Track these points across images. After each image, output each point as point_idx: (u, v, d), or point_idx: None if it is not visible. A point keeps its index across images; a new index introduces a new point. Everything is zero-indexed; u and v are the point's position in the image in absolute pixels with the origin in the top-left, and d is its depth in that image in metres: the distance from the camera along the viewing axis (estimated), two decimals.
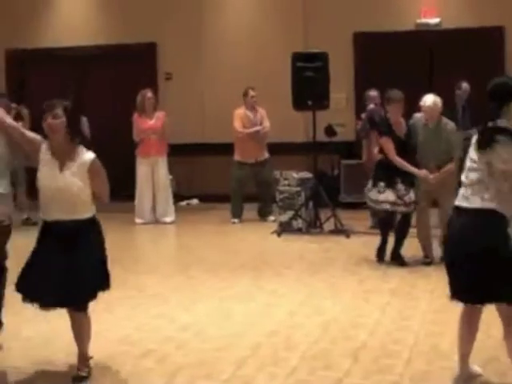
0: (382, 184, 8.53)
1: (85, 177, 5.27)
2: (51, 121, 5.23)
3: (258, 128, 11.94)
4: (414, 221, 8.81)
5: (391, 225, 8.95)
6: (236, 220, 11.99)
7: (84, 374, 5.34)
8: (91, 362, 5.44)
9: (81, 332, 5.39)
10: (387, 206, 8.58)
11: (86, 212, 5.34)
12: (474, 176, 4.85)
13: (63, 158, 5.27)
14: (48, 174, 5.28)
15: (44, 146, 5.33)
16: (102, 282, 5.37)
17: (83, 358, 5.40)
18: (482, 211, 4.80)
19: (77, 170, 5.26)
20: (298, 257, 9.48)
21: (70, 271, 5.16)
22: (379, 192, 8.54)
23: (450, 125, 8.57)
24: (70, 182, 5.24)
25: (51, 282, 5.16)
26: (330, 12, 13.42)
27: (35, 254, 5.34)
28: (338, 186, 12.87)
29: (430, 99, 8.47)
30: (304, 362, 5.57)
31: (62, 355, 5.76)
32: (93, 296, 5.33)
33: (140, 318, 6.87)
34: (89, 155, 5.33)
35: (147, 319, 6.82)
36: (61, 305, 5.28)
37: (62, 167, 5.27)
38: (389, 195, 8.51)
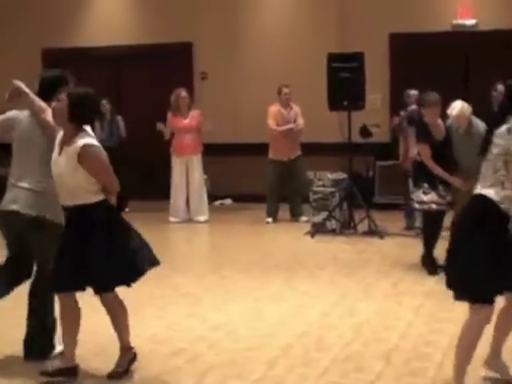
0: (425, 185, 8.39)
1: (75, 162, 5.12)
2: (54, 104, 5.27)
3: (291, 125, 11.92)
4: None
5: (440, 226, 8.64)
6: (270, 219, 11.98)
7: (120, 370, 5.36)
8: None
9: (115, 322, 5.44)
10: (434, 206, 8.39)
11: (88, 198, 5.19)
12: None
13: (63, 142, 5.22)
14: (52, 159, 5.29)
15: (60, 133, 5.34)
16: (118, 269, 5.19)
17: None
18: None
19: (70, 154, 5.15)
20: (332, 258, 9.44)
21: (78, 257, 5.15)
22: (424, 193, 8.40)
23: (480, 127, 8.33)
24: (64, 167, 5.18)
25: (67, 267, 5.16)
26: (366, 12, 13.35)
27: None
28: (372, 187, 12.81)
29: (456, 108, 8.16)
30: (336, 363, 5.54)
31: None
32: (106, 283, 5.24)
33: (172, 317, 6.88)
34: (82, 141, 5.15)
35: (179, 318, 6.83)
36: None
37: (60, 151, 5.23)
38: (433, 196, 8.37)
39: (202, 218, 12.21)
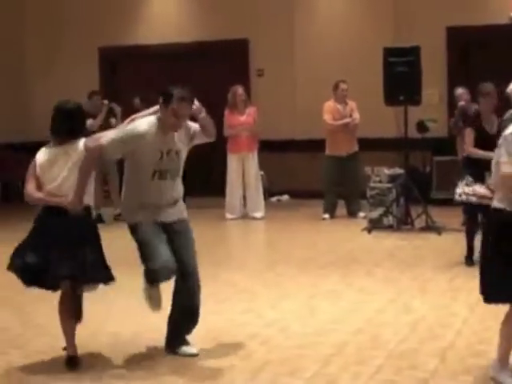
0: (470, 178, 8.30)
1: None
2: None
3: (347, 120, 11.88)
4: None
5: (476, 220, 8.58)
6: (327, 215, 11.95)
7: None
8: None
9: None
10: (473, 199, 8.28)
11: None
12: None
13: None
14: None
15: None
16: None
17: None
18: None
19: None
20: (388, 254, 9.39)
21: None
22: (467, 185, 8.30)
23: None
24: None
25: None
26: (423, 6, 13.24)
27: None
28: (429, 182, 12.69)
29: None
30: (390, 361, 5.49)
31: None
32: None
33: (227, 313, 6.90)
34: None
35: (234, 314, 6.84)
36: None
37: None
38: (477, 188, 8.24)
39: (258, 214, 12.23)
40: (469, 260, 8.48)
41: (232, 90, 12.32)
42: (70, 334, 5.51)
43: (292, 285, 7.95)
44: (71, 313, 5.51)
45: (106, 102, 12.02)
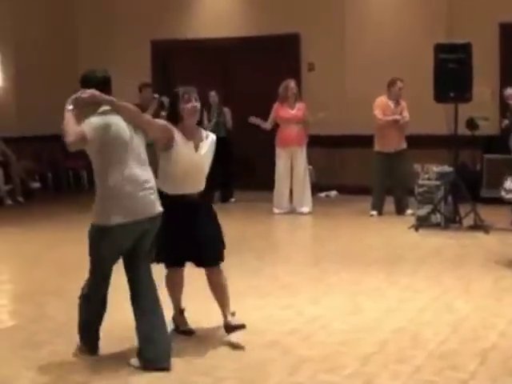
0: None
1: (212, 153, 6.02)
2: (196, 103, 5.82)
3: (398, 117, 11.80)
4: None
5: None
6: (374, 212, 11.89)
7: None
8: None
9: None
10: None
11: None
12: None
13: (193, 138, 5.87)
14: (187, 154, 5.78)
15: (176, 131, 5.77)
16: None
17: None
18: None
19: (209, 146, 5.95)
20: (435, 252, 9.31)
21: None
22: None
23: None
24: (205, 159, 5.94)
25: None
26: (475, 2, 13.08)
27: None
28: (479, 180, 12.55)
29: None
30: (430, 361, 5.45)
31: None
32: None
33: (269, 307, 6.90)
34: (210, 134, 6.04)
35: (276, 309, 6.84)
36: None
37: (196, 148, 5.85)
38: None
39: (306, 209, 12.22)
40: None
41: (284, 83, 12.33)
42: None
43: (336, 281, 7.93)
44: None
45: (156, 95, 12.09)
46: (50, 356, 5.70)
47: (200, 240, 5.81)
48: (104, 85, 5.44)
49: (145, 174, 5.44)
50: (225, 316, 5.95)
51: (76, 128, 5.18)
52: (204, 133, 5.97)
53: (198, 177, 5.92)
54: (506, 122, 11.10)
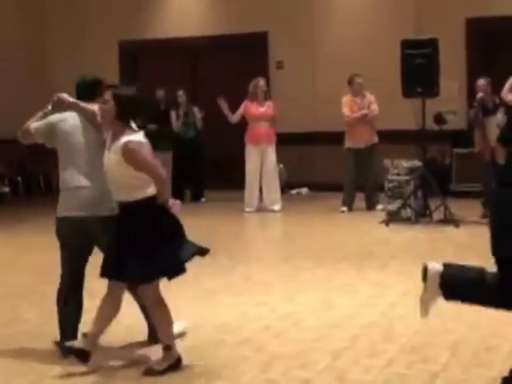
0: None
1: (119, 158, 5.15)
2: (100, 105, 5.36)
3: (365, 112, 11.89)
4: None
5: None
6: (345, 208, 11.95)
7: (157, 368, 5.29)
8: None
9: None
10: None
11: (131, 195, 5.22)
12: None
13: (112, 140, 5.26)
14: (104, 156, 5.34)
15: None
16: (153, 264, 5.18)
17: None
18: None
19: (116, 151, 5.18)
20: (405, 247, 9.38)
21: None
22: None
23: None
24: (111, 163, 5.23)
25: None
26: None
27: None
28: (449, 174, 12.65)
29: None
30: (401, 354, 5.48)
31: None
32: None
33: (242, 305, 6.90)
34: (125, 138, 5.17)
35: (248, 307, 6.85)
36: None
37: (109, 147, 5.29)
38: None
39: (276, 207, 12.25)
40: None
41: (254, 81, 12.41)
42: None
43: (308, 278, 7.95)
44: None
45: None
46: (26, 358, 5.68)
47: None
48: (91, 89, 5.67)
49: (87, 177, 5.51)
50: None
51: (28, 122, 5.69)
52: (125, 136, 5.19)
53: (112, 181, 5.29)
54: (473, 111, 11.12)
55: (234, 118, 12.34)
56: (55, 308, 5.70)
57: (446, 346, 5.60)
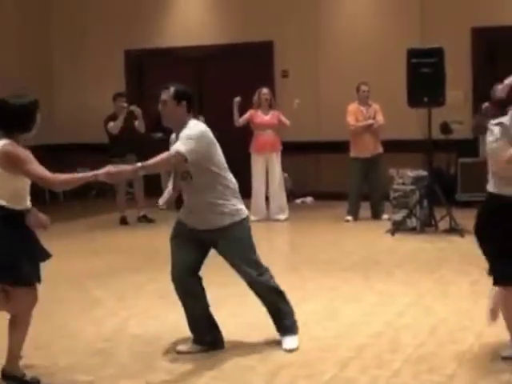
0: None
1: None
2: None
3: (370, 121, 11.88)
4: None
5: None
6: (350, 217, 11.93)
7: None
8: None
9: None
10: None
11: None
12: None
13: None
14: None
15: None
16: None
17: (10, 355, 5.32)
18: None
19: None
20: (411, 256, 9.36)
21: None
22: None
23: None
24: None
25: None
26: (448, 7, 13.18)
27: None
28: (454, 184, 12.64)
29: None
30: (408, 365, 5.47)
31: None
32: None
33: (247, 315, 6.90)
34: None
35: (254, 317, 6.82)
36: None
37: None
38: None
39: (282, 216, 12.24)
40: None
41: (258, 90, 12.39)
42: None
43: (314, 287, 7.95)
44: None
45: (125, 105, 12.11)
46: None
47: None
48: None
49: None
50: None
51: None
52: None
53: None
54: (477, 117, 11.07)
55: (240, 121, 12.31)
56: None
57: (453, 357, 5.59)
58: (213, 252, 6.04)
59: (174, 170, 5.92)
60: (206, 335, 5.92)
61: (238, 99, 12.26)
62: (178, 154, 5.44)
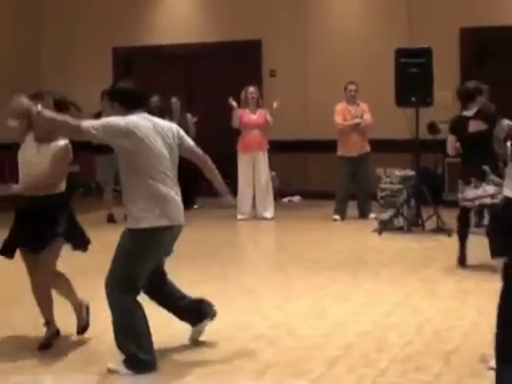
0: (474, 179, 8.27)
1: None
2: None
3: (358, 121, 11.90)
4: None
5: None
6: (337, 217, 11.94)
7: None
8: None
9: None
10: (488, 200, 8.25)
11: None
12: None
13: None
14: None
15: None
16: None
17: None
18: None
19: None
20: (398, 256, 9.37)
21: None
22: (476, 187, 8.26)
23: None
24: None
25: None
26: (436, 7, 13.20)
27: None
28: (441, 184, 12.66)
29: None
30: (395, 364, 5.47)
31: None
32: None
33: (234, 313, 6.88)
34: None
35: (241, 315, 6.83)
36: None
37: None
38: (487, 188, 8.21)
39: (268, 214, 12.24)
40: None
41: (245, 89, 12.38)
42: None
43: (300, 286, 7.94)
44: None
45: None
46: None
47: None
48: None
49: None
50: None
51: None
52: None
53: None
54: None
55: (235, 123, 12.32)
56: None
57: (440, 356, 5.59)
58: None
59: None
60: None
61: (234, 103, 12.26)
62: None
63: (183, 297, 5.91)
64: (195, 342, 5.95)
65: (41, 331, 6.03)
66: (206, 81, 14.82)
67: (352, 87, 11.97)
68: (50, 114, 5.34)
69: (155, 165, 5.38)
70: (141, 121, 5.40)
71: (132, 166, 5.38)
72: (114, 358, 5.49)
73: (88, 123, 5.25)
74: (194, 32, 14.74)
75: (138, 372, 5.33)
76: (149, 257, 5.41)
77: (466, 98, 8.79)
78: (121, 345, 5.44)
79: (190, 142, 5.74)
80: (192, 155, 5.78)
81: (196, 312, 5.96)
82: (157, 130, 5.44)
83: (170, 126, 5.60)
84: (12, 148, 6.11)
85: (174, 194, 5.50)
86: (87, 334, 6.18)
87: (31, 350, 5.87)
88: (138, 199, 5.38)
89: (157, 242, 5.42)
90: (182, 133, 5.70)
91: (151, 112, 13.04)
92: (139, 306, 5.43)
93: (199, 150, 5.80)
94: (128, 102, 5.48)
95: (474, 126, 8.47)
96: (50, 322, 5.97)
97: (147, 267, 5.45)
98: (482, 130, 8.31)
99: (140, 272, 5.41)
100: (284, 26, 14.20)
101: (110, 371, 5.40)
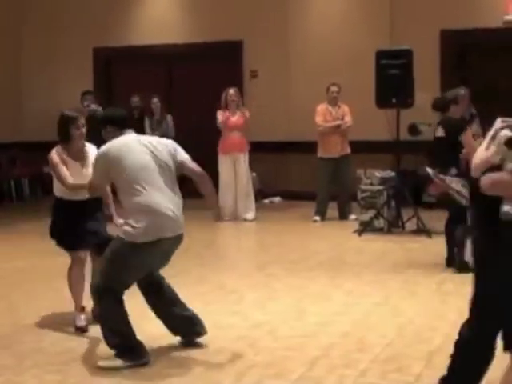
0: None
1: None
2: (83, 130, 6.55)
3: (338, 122, 11.91)
4: None
5: None
6: (318, 218, 11.94)
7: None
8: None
9: None
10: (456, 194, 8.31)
11: None
12: None
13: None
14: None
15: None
16: None
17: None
18: None
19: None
20: (379, 257, 9.38)
21: None
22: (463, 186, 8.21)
23: None
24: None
25: None
26: (417, 9, 13.23)
27: None
28: (422, 185, 12.67)
29: None
30: (376, 364, 5.48)
31: None
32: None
33: (215, 314, 6.86)
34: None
35: (221, 316, 6.82)
36: None
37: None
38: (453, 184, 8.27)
39: (250, 215, 12.23)
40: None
41: (225, 91, 12.35)
42: None
43: (281, 287, 7.93)
44: None
45: (86, 104, 12.13)
46: None
47: None
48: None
49: None
50: None
51: None
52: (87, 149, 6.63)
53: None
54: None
55: (219, 125, 12.30)
56: None
57: (420, 357, 5.60)
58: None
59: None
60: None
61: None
62: None
63: (179, 307, 5.99)
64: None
65: None
66: (187, 81, 14.79)
67: (334, 89, 11.98)
68: None
69: (136, 177, 5.52)
70: (120, 139, 5.70)
71: (117, 185, 5.63)
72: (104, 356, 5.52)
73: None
74: (175, 32, 14.70)
75: (129, 359, 5.47)
76: (134, 267, 5.58)
77: (439, 108, 9.05)
78: (106, 337, 5.59)
79: (183, 156, 5.81)
80: (186, 170, 5.87)
81: (187, 324, 6.00)
82: (140, 142, 5.70)
83: (161, 141, 5.84)
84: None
85: (166, 205, 5.65)
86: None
87: None
88: (128, 215, 5.57)
89: (139, 255, 5.52)
90: (176, 148, 5.82)
91: (131, 112, 13.16)
92: (121, 302, 5.58)
93: (194, 165, 5.89)
94: (116, 124, 5.80)
95: (438, 132, 8.79)
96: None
97: (133, 275, 5.63)
98: (443, 137, 8.69)
99: (125, 279, 5.59)
100: (265, 26, 14.19)
101: (102, 368, 5.47)
